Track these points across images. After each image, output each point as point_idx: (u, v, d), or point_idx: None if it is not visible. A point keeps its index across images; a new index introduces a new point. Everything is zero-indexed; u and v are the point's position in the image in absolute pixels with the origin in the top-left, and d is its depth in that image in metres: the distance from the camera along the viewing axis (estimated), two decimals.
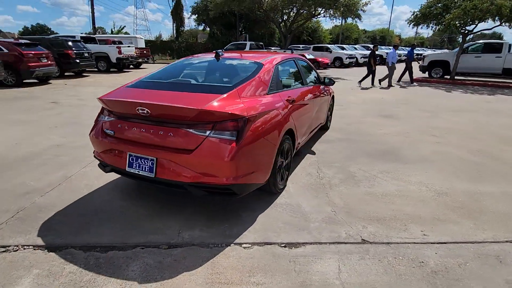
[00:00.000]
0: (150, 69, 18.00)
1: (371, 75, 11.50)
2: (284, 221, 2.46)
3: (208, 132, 2.11)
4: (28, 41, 10.46)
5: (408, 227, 2.41)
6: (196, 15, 29.73)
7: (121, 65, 15.53)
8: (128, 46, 15.79)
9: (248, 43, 18.04)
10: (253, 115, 2.26)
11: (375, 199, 2.85)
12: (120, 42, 17.72)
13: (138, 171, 2.28)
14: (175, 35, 31.34)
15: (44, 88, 9.66)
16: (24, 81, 9.89)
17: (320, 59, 21.61)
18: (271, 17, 19.08)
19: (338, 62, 23.02)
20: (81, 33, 23.59)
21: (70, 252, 2.06)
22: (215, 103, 2.12)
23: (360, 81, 11.78)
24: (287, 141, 2.86)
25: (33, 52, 9.78)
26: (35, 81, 10.59)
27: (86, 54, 12.89)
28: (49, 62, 10.39)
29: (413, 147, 4.40)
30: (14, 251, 2.06)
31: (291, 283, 1.81)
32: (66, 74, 12.63)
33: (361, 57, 24.80)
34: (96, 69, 15.15)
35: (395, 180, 3.29)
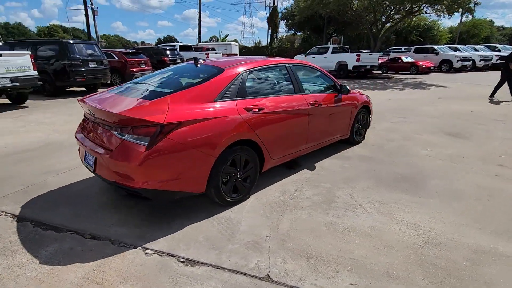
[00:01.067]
0: None
1: (507, 84, 8.36)
2: (207, 236, 2.33)
3: (126, 136, 2.21)
4: (134, 50, 12.86)
5: (338, 275, 1.92)
6: (285, 21, 30.22)
7: None
8: (216, 53, 17.41)
9: (331, 46, 17.17)
10: (175, 122, 2.23)
11: (331, 233, 2.37)
12: (213, 49, 19.71)
13: (87, 165, 2.58)
14: (269, 41, 32.63)
15: None
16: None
17: (420, 63, 18.80)
18: (364, 18, 17.68)
19: (446, 66, 19.43)
20: (201, 42, 27.20)
21: (26, 224, 2.51)
22: (133, 109, 2.21)
23: (492, 94, 8.67)
24: (241, 152, 2.68)
25: (135, 59, 11.97)
26: None
27: (179, 60, 14.89)
28: (147, 67, 12.49)
29: (451, 177, 3.40)
30: None
31: None
32: None
33: (480, 60, 20.27)
34: None
35: (381, 214, 2.64)
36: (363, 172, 3.58)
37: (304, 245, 2.22)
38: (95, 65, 9.80)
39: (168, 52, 14.73)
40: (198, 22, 29.02)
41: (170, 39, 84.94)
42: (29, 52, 7.52)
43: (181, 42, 29.56)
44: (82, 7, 21.43)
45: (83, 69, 9.34)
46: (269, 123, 2.92)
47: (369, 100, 4.71)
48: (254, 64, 3.03)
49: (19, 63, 7.15)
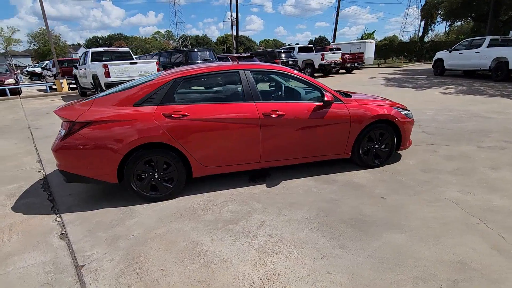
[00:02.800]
0: (358, 74, 17.94)
1: None
2: (101, 221, 2.72)
3: (60, 128, 2.90)
4: (249, 54, 14.31)
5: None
6: (434, 10, 24.49)
7: (324, 71, 16.82)
8: (334, 53, 16.65)
9: (488, 37, 12.71)
10: (85, 120, 2.72)
11: (182, 251, 2.24)
12: (338, 49, 18.90)
13: None
14: (421, 35, 27.72)
15: None
16: None
17: None
18: None
19: None
20: (351, 40, 26.05)
21: (40, 182, 3.69)
22: (63, 108, 2.85)
23: None
24: (157, 154, 2.88)
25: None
26: None
27: (291, 62, 15.35)
28: None
29: (431, 237, 2.27)
30: (41, 173, 4.02)
31: None
32: None
33: None
34: None
35: (258, 251, 2.20)
36: (321, 201, 2.92)
37: (143, 253, 2.23)
38: None
39: (283, 54, 15.43)
40: (335, 21, 28.32)
41: (321, 40, 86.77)
42: (156, 60, 9.98)
43: (330, 42, 27.94)
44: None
45: None
46: (195, 130, 2.93)
47: (395, 113, 3.59)
48: (192, 72, 3.09)
49: (148, 69, 9.63)
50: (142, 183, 2.95)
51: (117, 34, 78.58)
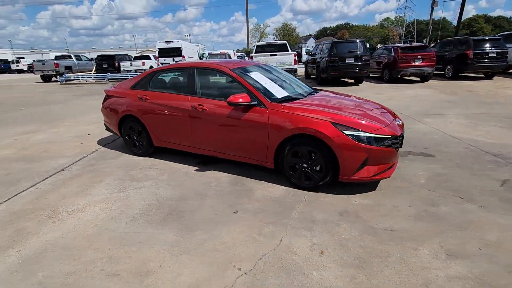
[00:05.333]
0: None
1: None
2: (103, 155, 4.50)
3: None
4: (422, 44, 11.74)
5: None
6: None
7: None
8: None
9: None
10: (109, 94, 4.48)
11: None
12: None
13: None
14: None
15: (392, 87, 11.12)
16: (399, 77, 11.89)
17: None
18: None
19: None
20: None
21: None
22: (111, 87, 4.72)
23: None
24: (133, 123, 4.22)
25: (408, 55, 11.21)
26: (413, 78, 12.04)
27: (492, 54, 10.98)
28: (424, 63, 11.17)
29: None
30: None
31: None
32: (460, 75, 12.02)
33: None
34: None
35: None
36: (194, 192, 3.18)
37: (84, 175, 3.72)
38: (352, 61, 11.09)
39: (487, 44, 11.28)
40: None
41: None
42: (294, 53, 10.85)
43: None
44: None
45: (340, 63, 11.14)
46: (150, 110, 3.97)
47: (329, 131, 2.81)
48: (164, 67, 4.04)
49: (285, 60, 10.77)
50: (129, 140, 4.43)
51: (345, 23, 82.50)
